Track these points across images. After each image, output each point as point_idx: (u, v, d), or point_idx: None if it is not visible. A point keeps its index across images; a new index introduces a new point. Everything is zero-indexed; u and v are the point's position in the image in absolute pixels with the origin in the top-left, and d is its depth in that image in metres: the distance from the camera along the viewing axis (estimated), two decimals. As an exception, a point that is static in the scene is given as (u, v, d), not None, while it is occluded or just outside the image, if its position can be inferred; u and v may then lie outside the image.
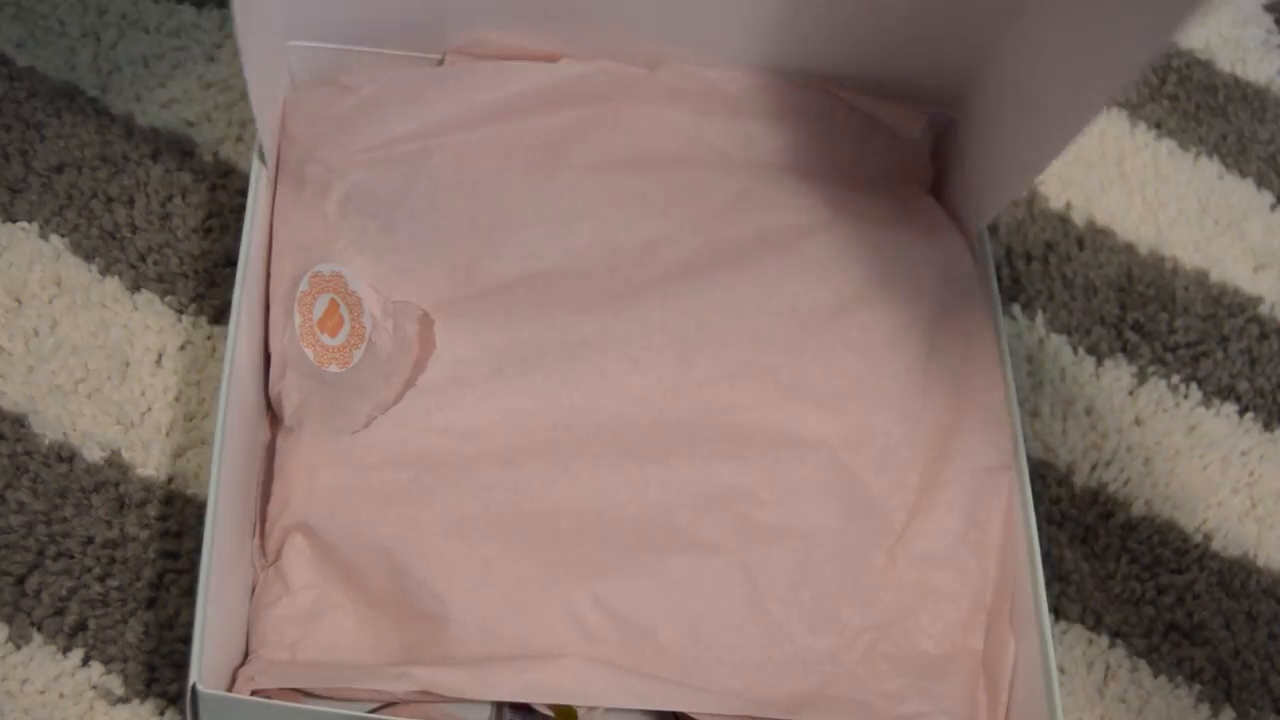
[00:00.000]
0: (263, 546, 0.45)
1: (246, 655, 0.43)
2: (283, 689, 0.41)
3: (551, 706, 0.42)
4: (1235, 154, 0.63)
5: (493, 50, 0.52)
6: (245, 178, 0.55)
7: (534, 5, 0.53)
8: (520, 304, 0.47)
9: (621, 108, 0.52)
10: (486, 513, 0.44)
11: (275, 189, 0.50)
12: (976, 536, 0.46)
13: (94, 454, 0.48)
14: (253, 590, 0.44)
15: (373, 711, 0.41)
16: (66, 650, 0.45)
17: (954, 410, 0.48)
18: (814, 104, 0.54)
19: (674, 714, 0.43)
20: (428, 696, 0.41)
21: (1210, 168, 0.63)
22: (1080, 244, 0.59)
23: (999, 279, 0.54)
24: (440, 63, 0.53)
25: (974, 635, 0.45)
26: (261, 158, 0.48)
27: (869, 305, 0.50)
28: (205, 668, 0.39)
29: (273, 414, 0.47)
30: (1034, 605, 0.43)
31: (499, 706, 0.43)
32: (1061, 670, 0.48)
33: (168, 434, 0.49)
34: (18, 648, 0.45)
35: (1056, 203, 0.60)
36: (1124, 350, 0.57)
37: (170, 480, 0.48)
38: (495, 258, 0.49)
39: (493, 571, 0.43)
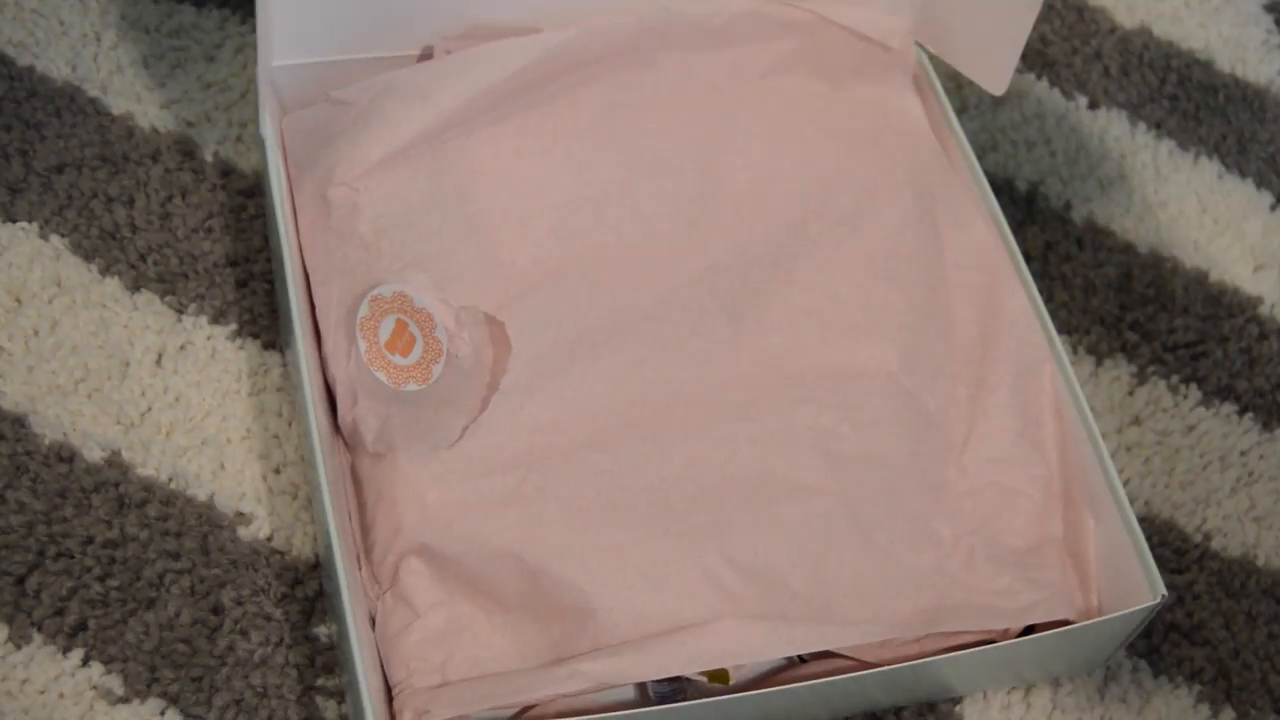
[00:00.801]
0: (373, 575, 0.45)
1: (387, 686, 0.43)
2: (458, 715, 0.42)
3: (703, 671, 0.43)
4: (1235, 154, 0.63)
5: (478, 33, 0.52)
6: (245, 178, 0.55)
7: None
8: (574, 292, 0.48)
9: (617, 64, 0.53)
10: (600, 499, 0.45)
11: (295, 215, 0.50)
12: (1033, 432, 0.49)
13: (94, 454, 0.48)
14: (372, 621, 0.44)
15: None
16: (66, 650, 0.45)
17: (984, 319, 0.51)
18: (797, 23, 0.54)
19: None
20: (597, 686, 0.42)
21: (1210, 168, 0.63)
22: (1080, 244, 0.59)
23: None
24: (423, 56, 0.53)
25: (1053, 522, 0.48)
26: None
27: (884, 233, 0.51)
28: (371, 709, 0.39)
29: (344, 442, 0.47)
30: (1105, 480, 0.46)
31: (641, 684, 0.44)
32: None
33: (168, 434, 0.49)
34: (18, 648, 0.45)
35: (1056, 203, 0.60)
36: (1123, 350, 0.57)
37: (170, 480, 0.48)
38: (535, 245, 0.49)
39: (625, 554, 0.44)
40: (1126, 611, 0.44)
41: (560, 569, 0.43)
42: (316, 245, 0.49)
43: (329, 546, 0.41)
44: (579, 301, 0.48)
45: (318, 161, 0.50)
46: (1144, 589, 0.44)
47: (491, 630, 0.43)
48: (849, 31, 0.55)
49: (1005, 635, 0.45)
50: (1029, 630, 0.46)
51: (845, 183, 0.52)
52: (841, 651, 0.45)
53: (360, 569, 0.45)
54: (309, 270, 0.49)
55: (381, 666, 0.43)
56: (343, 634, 0.41)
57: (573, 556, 0.43)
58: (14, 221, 0.52)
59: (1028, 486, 0.48)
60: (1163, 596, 0.43)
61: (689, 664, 0.42)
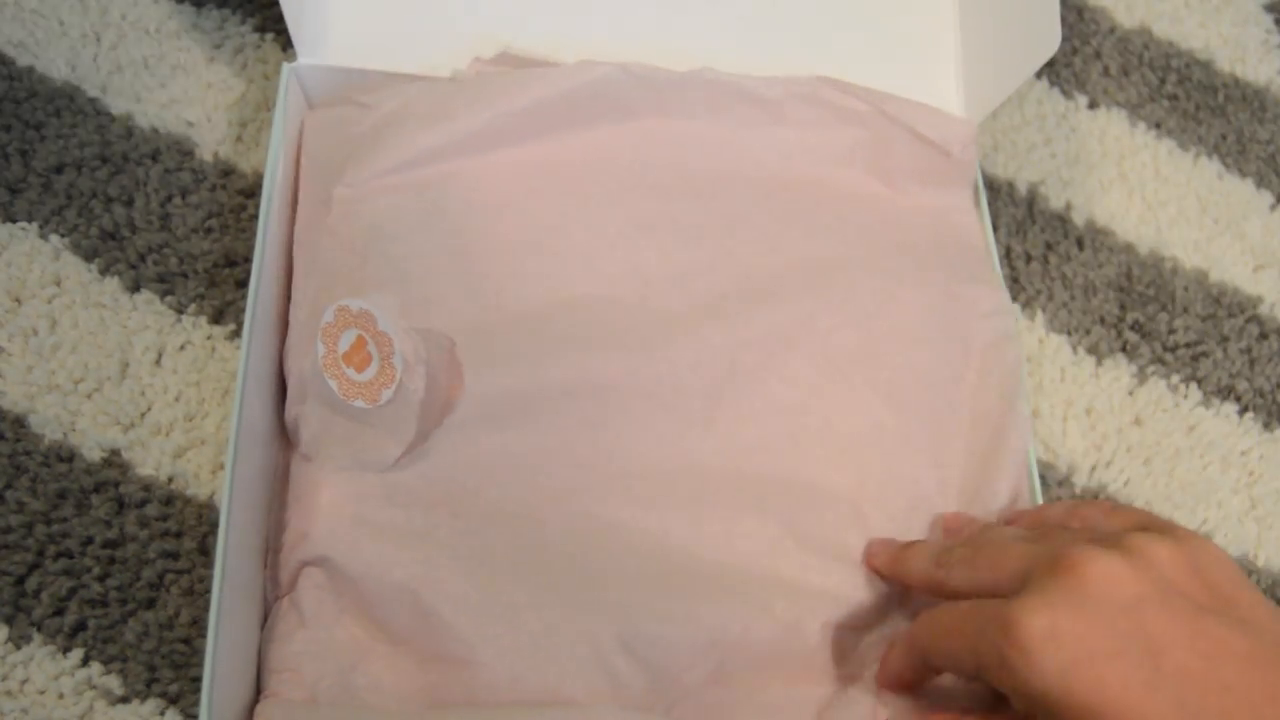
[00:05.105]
0: (275, 576, 0.44)
1: (258, 689, 0.42)
2: None
3: None
4: (1235, 154, 0.63)
5: (513, 61, 0.52)
6: (245, 178, 0.55)
7: (555, 16, 0.53)
8: (549, 340, 0.46)
9: (655, 121, 0.51)
10: (514, 556, 0.43)
11: (296, 208, 0.49)
12: None
13: (94, 454, 0.48)
14: (263, 621, 0.44)
15: None
16: (66, 650, 0.45)
17: (985, 456, 0.47)
18: (857, 114, 0.53)
19: None
20: None
21: (1210, 168, 0.63)
22: (1080, 244, 0.59)
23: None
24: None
25: None
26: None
27: (902, 348, 0.48)
28: (217, 706, 0.38)
29: (286, 436, 0.47)
30: None
31: None
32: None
33: (168, 434, 0.49)
34: (18, 648, 0.45)
35: (1056, 203, 0.60)
36: (1124, 350, 0.57)
37: (170, 480, 0.48)
38: (523, 285, 0.48)
39: (521, 616, 0.42)
40: None
41: (452, 615, 0.42)
42: (307, 241, 0.48)
43: (223, 540, 0.40)
44: (549, 355, 0.46)
45: (330, 160, 0.49)
46: None
47: (372, 659, 0.42)
48: (910, 131, 0.52)
49: None
50: None
51: (871, 285, 0.49)
52: None
53: (265, 567, 0.44)
54: (294, 263, 0.48)
55: (259, 671, 0.42)
56: (209, 631, 0.39)
57: (467, 606, 0.42)
58: (13, 221, 0.52)
59: None
60: None
61: None
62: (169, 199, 0.54)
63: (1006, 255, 0.58)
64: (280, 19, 0.58)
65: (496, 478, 0.45)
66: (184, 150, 0.55)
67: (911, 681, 0.41)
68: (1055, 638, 0.33)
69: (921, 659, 0.40)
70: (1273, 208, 0.62)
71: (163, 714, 0.44)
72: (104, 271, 0.52)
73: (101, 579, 0.46)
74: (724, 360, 0.47)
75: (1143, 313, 0.58)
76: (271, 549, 0.45)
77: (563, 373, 0.46)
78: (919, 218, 0.52)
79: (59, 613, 0.45)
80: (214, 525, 0.47)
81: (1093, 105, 0.64)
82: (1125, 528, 0.38)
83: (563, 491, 0.44)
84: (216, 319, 0.52)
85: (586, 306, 0.48)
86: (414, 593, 0.42)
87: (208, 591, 0.46)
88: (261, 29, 0.59)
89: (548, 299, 0.48)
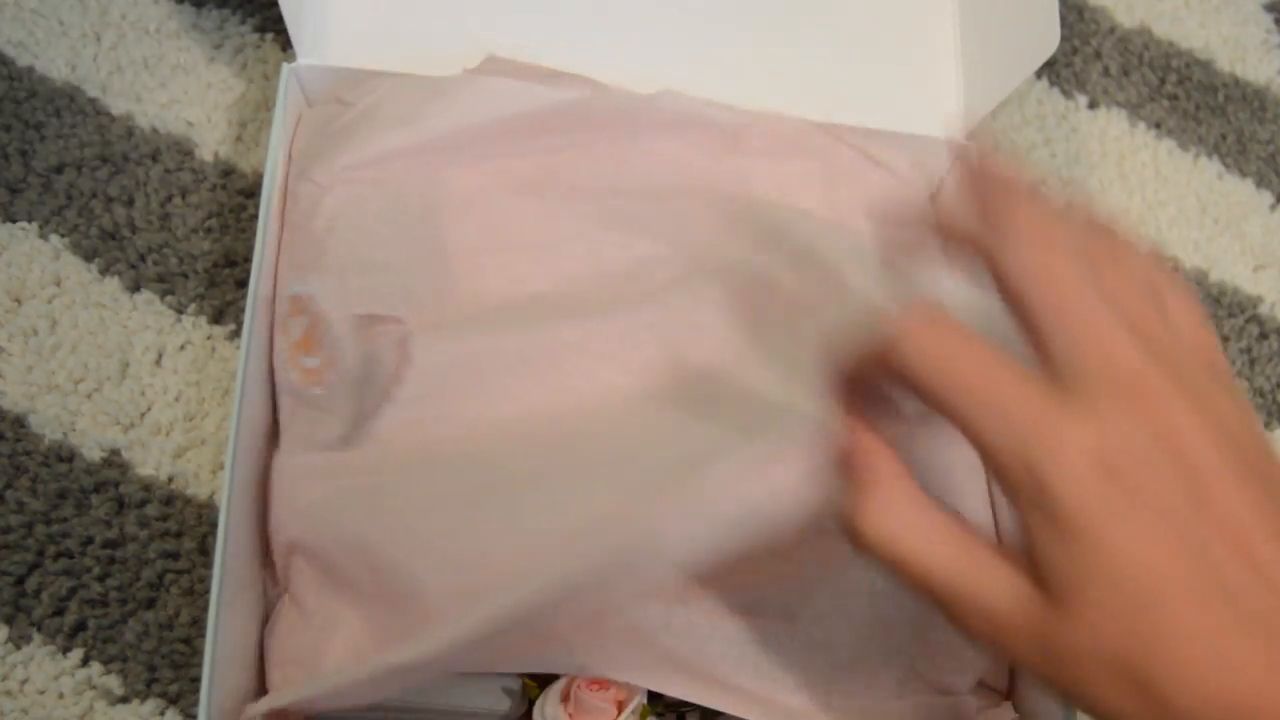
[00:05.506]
0: (273, 573, 0.44)
1: (263, 687, 0.42)
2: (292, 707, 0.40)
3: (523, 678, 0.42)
4: (1235, 154, 0.63)
5: (496, 69, 0.52)
6: (245, 178, 0.55)
7: (556, 17, 0.54)
8: (504, 316, 0.47)
9: (617, 140, 0.52)
10: (467, 505, 0.43)
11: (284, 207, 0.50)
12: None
13: (94, 454, 0.48)
14: (266, 618, 0.44)
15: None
16: (66, 650, 0.45)
17: None
18: (810, 141, 0.53)
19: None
20: (393, 670, 0.39)
21: (1210, 168, 0.63)
22: (1080, 244, 0.59)
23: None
24: None
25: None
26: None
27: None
28: (216, 706, 0.38)
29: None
30: None
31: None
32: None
33: (168, 434, 0.49)
34: (18, 648, 0.45)
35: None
36: (1124, 350, 0.57)
37: (170, 480, 0.48)
38: (483, 278, 0.48)
39: (459, 532, 0.41)
40: None
41: (400, 556, 0.41)
42: (283, 239, 0.49)
43: (222, 540, 0.41)
44: (503, 326, 0.46)
45: (304, 157, 0.50)
46: None
47: (358, 627, 0.42)
48: (864, 156, 0.54)
49: None
50: None
51: (826, 257, 0.50)
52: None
53: (264, 566, 0.44)
54: (279, 263, 0.49)
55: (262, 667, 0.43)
56: (208, 631, 0.40)
57: (409, 540, 0.41)
58: (13, 221, 0.52)
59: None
60: None
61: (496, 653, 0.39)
62: (169, 199, 0.54)
63: (1006, 255, 0.58)
64: (280, 19, 0.58)
65: (454, 442, 0.44)
66: (184, 150, 0.55)
67: (860, 384, 0.36)
68: (1104, 469, 0.29)
69: (883, 369, 0.33)
70: (1273, 208, 0.62)
71: (163, 714, 0.44)
72: (104, 271, 0.52)
73: (101, 579, 0.46)
74: (683, 320, 0.47)
75: (1143, 313, 0.58)
76: (268, 548, 0.45)
77: (518, 340, 0.46)
78: (868, 243, 0.53)
79: (59, 613, 0.45)
80: (214, 525, 0.47)
81: (1093, 105, 0.64)
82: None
83: (521, 454, 0.44)
84: (216, 319, 0.52)
85: (546, 297, 0.48)
86: (367, 548, 0.42)
87: (208, 591, 0.46)
88: (261, 29, 0.59)
89: (508, 293, 0.48)
